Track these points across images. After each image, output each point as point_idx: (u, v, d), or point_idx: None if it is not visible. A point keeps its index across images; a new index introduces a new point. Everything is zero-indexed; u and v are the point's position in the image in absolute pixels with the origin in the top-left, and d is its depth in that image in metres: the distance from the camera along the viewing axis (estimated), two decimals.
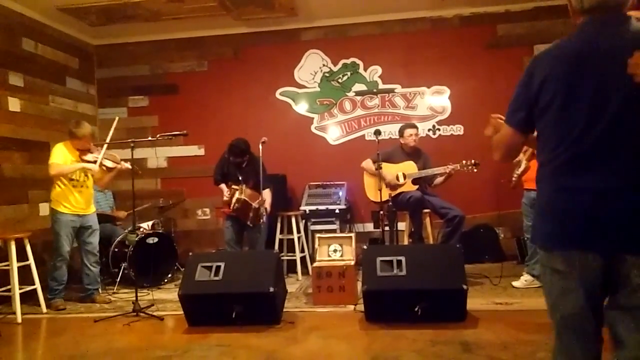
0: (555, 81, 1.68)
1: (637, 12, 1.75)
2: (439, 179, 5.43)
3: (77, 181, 5.03)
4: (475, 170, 5.19)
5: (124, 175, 5.73)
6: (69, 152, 5.01)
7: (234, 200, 5.32)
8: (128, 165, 5.10)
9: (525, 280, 4.92)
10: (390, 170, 5.41)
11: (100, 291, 5.50)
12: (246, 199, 5.29)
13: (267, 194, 5.44)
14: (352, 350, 3.57)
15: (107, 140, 5.03)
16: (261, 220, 5.33)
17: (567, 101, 1.66)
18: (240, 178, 5.47)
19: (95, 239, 5.20)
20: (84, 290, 5.23)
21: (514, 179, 4.95)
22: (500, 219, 6.31)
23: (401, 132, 5.61)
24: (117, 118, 5.15)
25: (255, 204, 5.27)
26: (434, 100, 6.77)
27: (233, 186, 5.43)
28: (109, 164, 5.09)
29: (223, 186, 5.56)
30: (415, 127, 5.64)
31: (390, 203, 5.10)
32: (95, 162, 4.98)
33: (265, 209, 5.34)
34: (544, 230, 1.75)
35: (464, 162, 5.20)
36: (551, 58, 1.73)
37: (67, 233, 4.98)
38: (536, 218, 1.81)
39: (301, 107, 7.03)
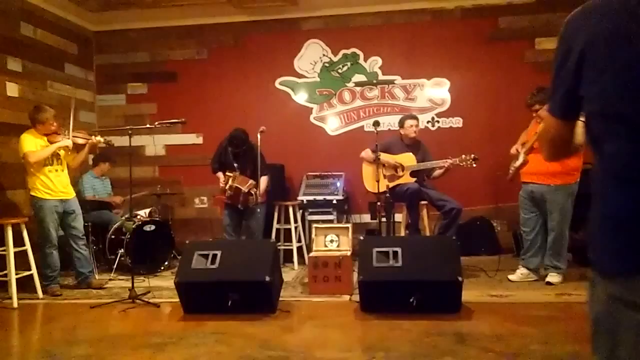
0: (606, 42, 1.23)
1: None
2: (438, 172, 5.43)
3: (51, 165, 5.00)
4: (474, 165, 5.18)
5: (121, 162, 5.74)
6: (37, 138, 4.97)
7: (227, 187, 5.37)
8: (99, 138, 5.11)
9: (521, 274, 4.93)
10: (388, 160, 5.41)
11: (97, 276, 5.52)
12: (237, 185, 5.33)
13: (263, 181, 5.47)
14: (347, 339, 3.59)
15: (71, 122, 5.06)
16: (254, 202, 5.35)
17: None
18: (235, 166, 5.49)
19: (79, 223, 5.18)
20: (78, 275, 5.23)
21: (510, 171, 4.95)
22: (497, 212, 6.31)
23: (401, 123, 5.60)
24: (73, 100, 5.28)
25: (244, 188, 5.31)
26: (433, 92, 6.76)
27: (228, 173, 5.46)
28: (80, 140, 5.10)
29: (220, 174, 5.59)
30: (416, 118, 5.62)
31: (388, 194, 5.10)
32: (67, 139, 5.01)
33: (256, 192, 5.35)
34: (619, 251, 1.22)
35: (463, 156, 5.19)
36: (594, 13, 1.28)
37: (52, 219, 4.95)
38: (601, 235, 1.27)
39: (300, 97, 7.01)
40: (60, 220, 5.07)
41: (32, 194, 4.97)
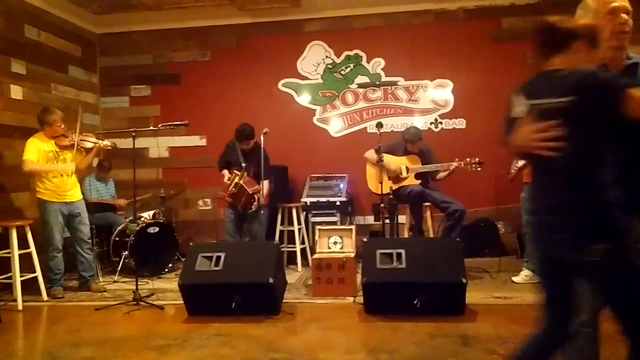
0: None
1: None
2: (442, 174, 5.42)
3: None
4: (479, 169, 5.17)
5: (124, 165, 5.75)
6: (44, 142, 4.99)
7: (232, 184, 5.36)
8: (107, 142, 5.12)
9: (526, 276, 4.92)
10: (394, 162, 5.41)
11: (101, 278, 5.54)
12: (243, 184, 5.32)
13: (265, 185, 5.45)
14: (351, 341, 3.59)
15: (78, 125, 5.07)
16: (252, 209, 5.34)
17: None
18: (243, 165, 5.49)
19: (85, 227, 5.19)
20: (80, 278, 5.24)
21: (513, 171, 4.95)
22: (501, 214, 6.30)
23: (405, 141, 5.53)
24: (80, 104, 5.28)
25: (250, 191, 5.29)
26: (436, 94, 6.75)
27: (235, 171, 5.45)
28: (88, 144, 5.11)
29: (225, 172, 5.60)
30: (419, 139, 5.49)
31: (392, 196, 5.10)
32: (72, 145, 5.02)
33: (259, 198, 5.35)
34: None
35: (468, 160, 5.18)
36: None
37: (56, 222, 4.96)
38: None
39: (303, 99, 7.01)
40: (66, 223, 5.08)
41: (38, 196, 4.99)
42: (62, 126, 5.05)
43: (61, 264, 5.07)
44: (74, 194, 5.14)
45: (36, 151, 4.92)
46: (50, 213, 4.94)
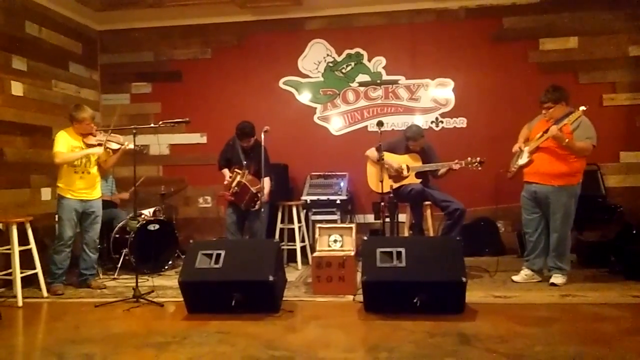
0: None
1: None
2: (442, 171, 5.42)
3: (79, 167, 5.04)
4: (479, 168, 5.16)
5: (125, 162, 5.75)
6: (73, 138, 5.04)
7: (234, 183, 5.36)
8: (132, 145, 5.13)
9: (525, 275, 4.92)
10: (395, 160, 5.40)
11: (101, 275, 5.55)
12: (246, 183, 5.32)
13: (266, 182, 5.46)
14: (350, 340, 3.59)
15: (111, 126, 5.13)
16: (255, 207, 5.33)
17: None
18: (244, 163, 5.49)
19: (97, 227, 5.22)
20: (80, 275, 5.25)
21: (513, 169, 4.94)
22: (501, 213, 6.30)
23: (406, 139, 5.52)
24: (119, 106, 5.22)
25: (253, 189, 5.29)
26: (437, 93, 6.75)
27: (236, 170, 5.45)
28: (114, 145, 5.15)
29: (225, 171, 5.61)
30: (420, 137, 5.45)
31: (392, 195, 5.09)
32: (100, 144, 5.05)
33: (261, 197, 5.35)
34: None
35: (469, 159, 5.17)
36: None
37: (69, 218, 5.00)
38: None
39: (304, 97, 7.01)
40: (79, 220, 5.10)
41: (58, 191, 5.06)
42: (92, 125, 5.09)
43: (66, 260, 5.09)
44: (91, 193, 5.16)
45: (66, 144, 4.97)
46: (64, 208, 4.99)
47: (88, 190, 5.12)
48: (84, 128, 5.05)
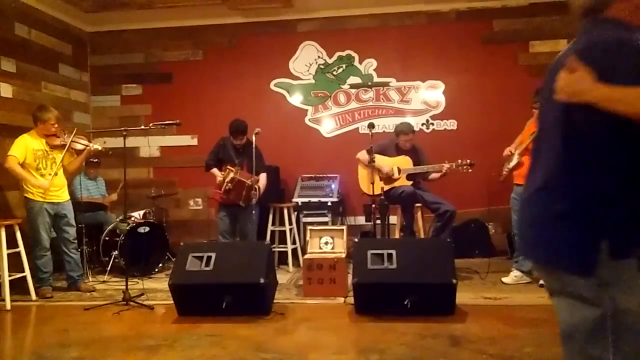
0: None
1: None
2: (435, 175, 5.45)
3: (45, 169, 4.97)
4: (470, 170, 5.20)
5: (115, 164, 5.72)
6: (34, 140, 4.96)
7: (227, 179, 5.32)
8: (97, 146, 5.11)
9: (515, 276, 4.95)
10: (385, 163, 5.42)
11: (90, 278, 5.51)
12: (240, 178, 5.29)
13: (262, 177, 5.47)
14: (341, 342, 3.59)
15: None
16: (254, 200, 5.32)
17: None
18: (236, 161, 5.48)
19: (72, 228, 5.15)
20: (68, 279, 5.20)
21: (504, 172, 4.97)
22: (492, 215, 6.33)
23: (397, 134, 5.57)
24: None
25: (249, 182, 5.28)
26: (428, 95, 6.77)
27: (229, 167, 5.42)
28: (79, 146, 5.10)
29: (215, 170, 5.56)
30: (411, 132, 5.52)
31: (383, 197, 5.11)
32: (64, 145, 5.00)
33: (258, 187, 5.34)
34: None
35: (459, 161, 5.20)
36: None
37: (42, 221, 4.92)
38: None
39: (296, 99, 7.01)
40: (52, 223, 5.04)
41: (25, 195, 4.95)
42: (56, 125, 5.02)
43: (49, 264, 5.03)
44: (61, 195, 5.09)
45: (24, 149, 4.88)
46: (37, 212, 4.90)
47: (59, 191, 5.05)
48: (47, 128, 4.97)
